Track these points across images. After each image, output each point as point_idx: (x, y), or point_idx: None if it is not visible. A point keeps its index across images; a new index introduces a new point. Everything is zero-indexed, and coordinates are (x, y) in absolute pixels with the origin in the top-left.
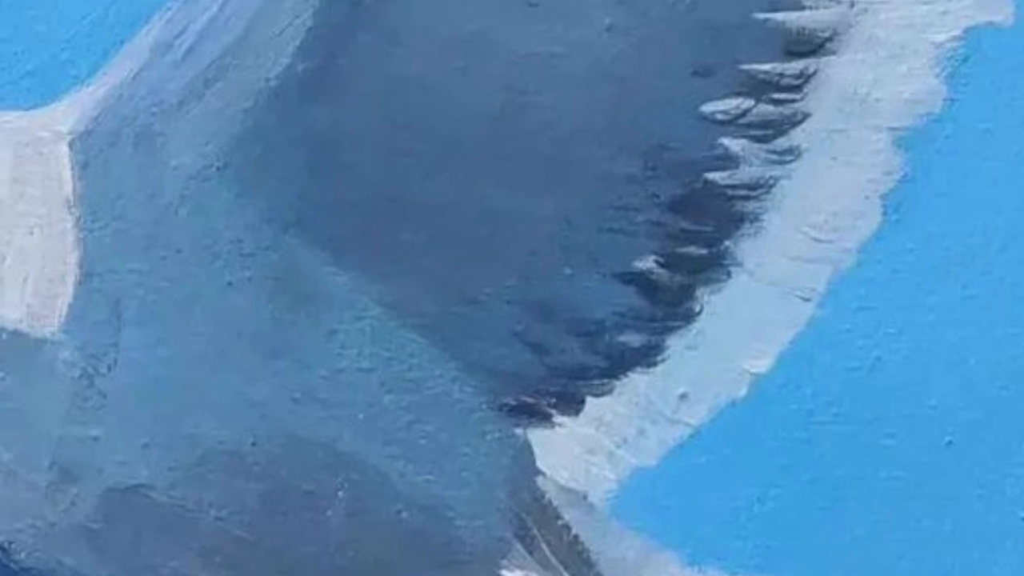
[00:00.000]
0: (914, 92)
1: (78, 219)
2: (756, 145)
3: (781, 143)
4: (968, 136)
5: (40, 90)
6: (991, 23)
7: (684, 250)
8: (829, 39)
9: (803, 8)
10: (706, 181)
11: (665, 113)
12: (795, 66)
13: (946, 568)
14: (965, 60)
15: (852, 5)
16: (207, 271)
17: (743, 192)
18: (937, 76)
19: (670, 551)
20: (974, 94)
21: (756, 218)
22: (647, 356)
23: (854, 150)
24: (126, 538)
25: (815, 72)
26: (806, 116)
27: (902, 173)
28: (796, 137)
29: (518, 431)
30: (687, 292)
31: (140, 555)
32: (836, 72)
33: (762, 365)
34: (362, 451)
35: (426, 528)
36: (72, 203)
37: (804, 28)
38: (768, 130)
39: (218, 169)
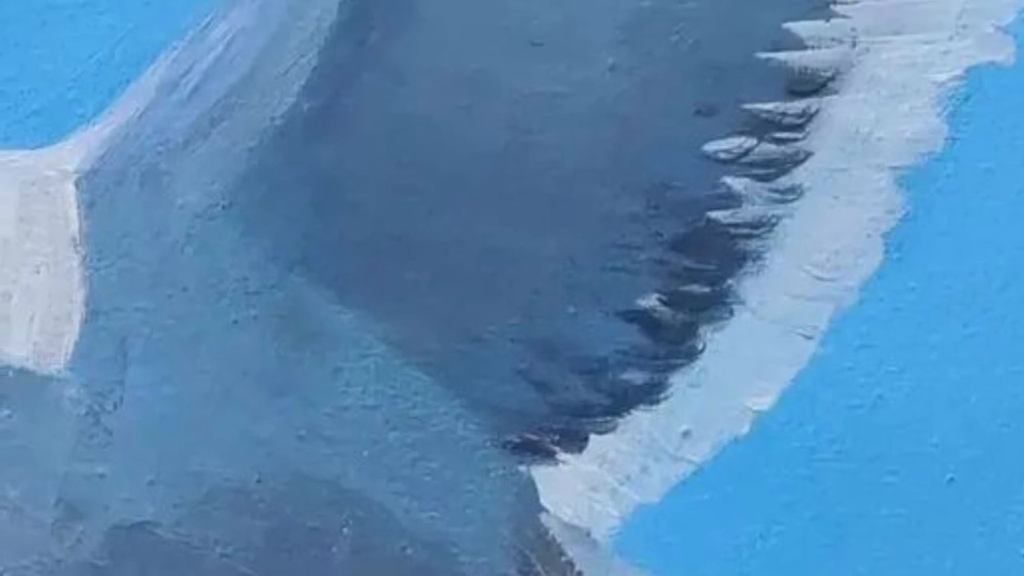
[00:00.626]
0: (916, 131)
1: (84, 257)
2: (758, 184)
3: (783, 182)
4: (969, 175)
5: (46, 129)
6: (992, 63)
7: (687, 288)
8: (831, 78)
9: (805, 48)
10: (709, 220)
11: (668, 152)
12: (797, 105)
13: None
14: (966, 99)
15: (854, 45)
16: (213, 309)
17: (746, 231)
18: (939, 115)
19: None
20: (975, 133)
21: (759, 256)
22: (650, 394)
23: (856, 189)
24: (132, 575)
25: (817, 111)
26: (808, 155)
27: (904, 212)
28: (798, 176)
29: (522, 468)
30: (690, 330)
31: None
32: (838, 111)
33: (764, 403)
34: (367, 488)
35: (430, 564)
36: (78, 241)
37: (806, 68)
38: (770, 169)
39: (224, 208)
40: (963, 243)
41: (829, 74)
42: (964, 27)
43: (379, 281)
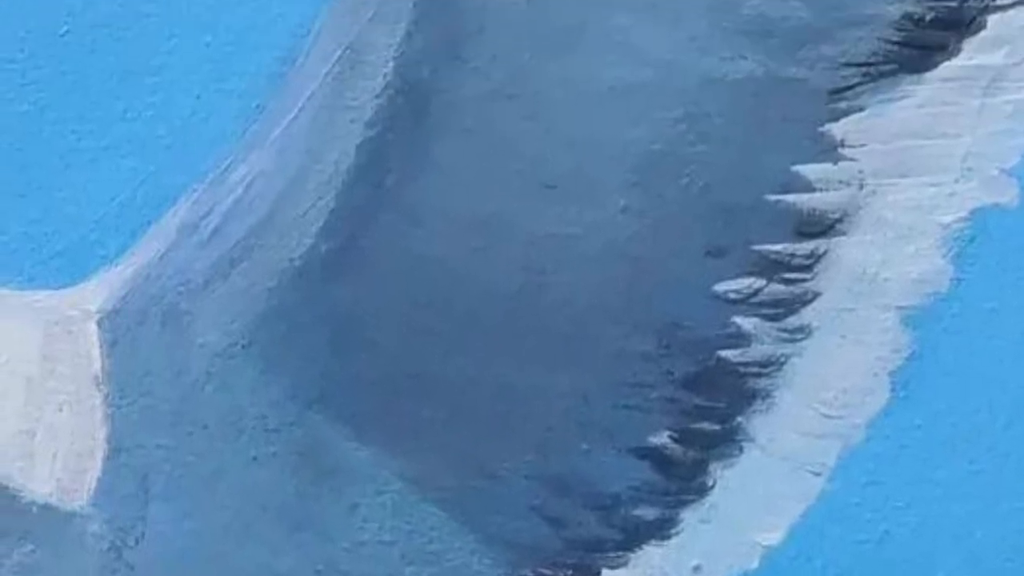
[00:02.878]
0: (921, 272)
1: (106, 396)
2: (768, 323)
3: (792, 322)
4: (974, 315)
5: (69, 270)
6: (997, 204)
7: (697, 426)
8: (839, 220)
9: (814, 190)
10: (719, 359)
11: (679, 292)
12: (806, 246)
13: None
14: (971, 240)
15: (861, 187)
16: (233, 446)
17: (755, 369)
18: (944, 256)
19: None
20: (980, 274)
21: (768, 395)
22: (662, 529)
23: (863, 328)
24: None
25: (825, 252)
26: (816, 295)
27: (910, 351)
28: (806, 316)
29: None
30: (701, 467)
31: None
32: (846, 252)
33: (774, 538)
34: None
35: None
36: (101, 380)
37: (815, 209)
38: (779, 309)
39: (243, 347)
40: (968, 382)
41: (837, 216)
42: (969, 170)
43: (396, 419)
